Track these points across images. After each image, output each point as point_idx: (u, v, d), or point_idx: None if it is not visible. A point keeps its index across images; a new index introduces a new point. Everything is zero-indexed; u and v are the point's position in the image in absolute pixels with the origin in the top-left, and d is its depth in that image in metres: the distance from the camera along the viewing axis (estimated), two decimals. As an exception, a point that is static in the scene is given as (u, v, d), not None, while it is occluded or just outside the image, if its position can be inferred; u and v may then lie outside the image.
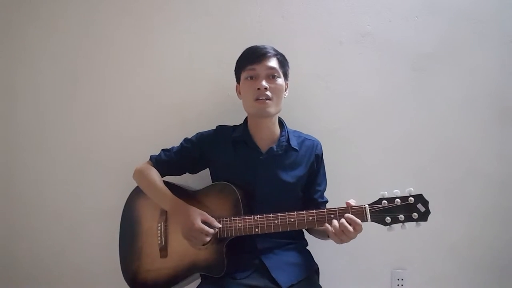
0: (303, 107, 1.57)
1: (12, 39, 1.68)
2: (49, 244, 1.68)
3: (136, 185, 1.38)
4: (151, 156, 1.37)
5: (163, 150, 1.38)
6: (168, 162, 1.35)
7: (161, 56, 1.63)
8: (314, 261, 1.35)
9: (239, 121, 1.41)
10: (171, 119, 1.62)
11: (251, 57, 1.26)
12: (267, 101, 1.23)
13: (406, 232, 1.54)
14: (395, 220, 1.10)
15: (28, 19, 1.67)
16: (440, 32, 1.58)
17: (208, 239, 1.18)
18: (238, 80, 1.34)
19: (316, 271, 1.34)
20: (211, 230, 1.17)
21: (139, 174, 1.34)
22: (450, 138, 1.60)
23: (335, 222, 1.11)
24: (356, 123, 1.60)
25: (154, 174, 1.32)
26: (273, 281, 1.18)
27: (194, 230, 1.17)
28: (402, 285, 1.61)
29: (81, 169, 1.66)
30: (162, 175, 1.35)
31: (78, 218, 1.66)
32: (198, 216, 1.19)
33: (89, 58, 1.65)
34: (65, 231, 1.67)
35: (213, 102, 1.60)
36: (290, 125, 1.40)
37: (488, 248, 1.61)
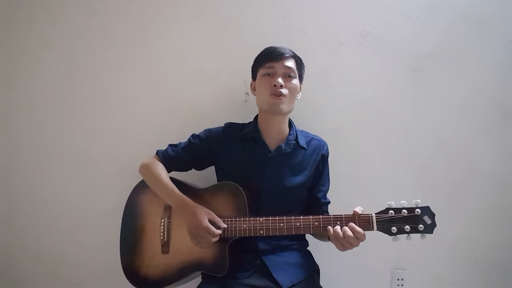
0: (303, 107, 1.56)
1: (12, 40, 1.67)
2: (49, 243, 1.68)
3: (139, 180, 1.37)
4: (157, 151, 1.37)
5: (170, 145, 1.38)
6: (175, 157, 1.35)
7: (161, 56, 1.62)
8: (314, 261, 1.35)
9: (239, 120, 1.41)
10: (171, 120, 1.62)
11: (271, 55, 1.27)
12: (282, 97, 1.25)
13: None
14: (401, 231, 1.10)
15: (28, 20, 1.66)
16: (440, 32, 1.58)
17: (214, 240, 1.17)
18: (254, 77, 1.35)
19: (317, 271, 1.34)
20: (218, 231, 1.17)
21: (145, 168, 1.33)
22: (450, 138, 1.60)
23: (337, 229, 1.11)
24: (355, 122, 1.60)
25: (161, 169, 1.31)
26: (273, 281, 1.19)
27: (201, 229, 1.16)
28: (402, 285, 1.61)
29: (81, 169, 1.66)
30: (169, 171, 1.34)
31: (78, 218, 1.66)
32: (205, 215, 1.18)
33: (89, 58, 1.65)
34: (65, 231, 1.67)
35: (213, 102, 1.60)
36: (296, 126, 1.41)
37: (488, 248, 1.61)
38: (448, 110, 1.60)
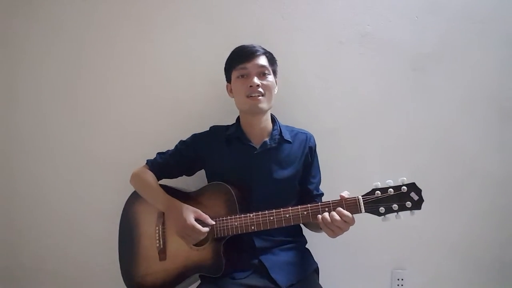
0: (303, 107, 1.58)
1: (14, 39, 1.68)
2: (50, 243, 1.69)
3: (134, 189, 1.38)
4: (147, 160, 1.39)
5: (158, 153, 1.40)
6: (164, 164, 1.36)
7: (162, 56, 1.63)
8: (313, 260, 1.35)
9: (239, 120, 1.41)
10: (171, 119, 1.62)
11: (242, 56, 1.28)
12: (260, 97, 1.26)
13: (406, 231, 1.57)
14: (389, 210, 1.09)
15: (29, 20, 1.67)
16: (440, 32, 1.58)
17: (201, 237, 1.19)
18: (228, 79, 1.36)
19: (316, 271, 1.34)
20: (204, 229, 1.18)
21: (135, 177, 1.36)
22: (450, 138, 1.60)
23: (325, 215, 1.11)
24: (355, 123, 1.60)
25: (149, 176, 1.34)
26: (272, 281, 1.19)
27: (186, 227, 1.18)
28: (402, 285, 1.61)
29: (81, 168, 1.67)
30: (159, 178, 1.36)
31: (78, 217, 1.67)
32: (191, 214, 1.20)
33: (90, 58, 1.66)
34: (66, 230, 1.68)
35: (213, 102, 1.60)
36: (290, 124, 1.41)
37: (488, 248, 1.61)
38: (448, 110, 1.60)
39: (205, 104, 1.61)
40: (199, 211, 1.22)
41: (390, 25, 1.59)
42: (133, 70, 1.64)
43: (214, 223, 1.20)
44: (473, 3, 1.57)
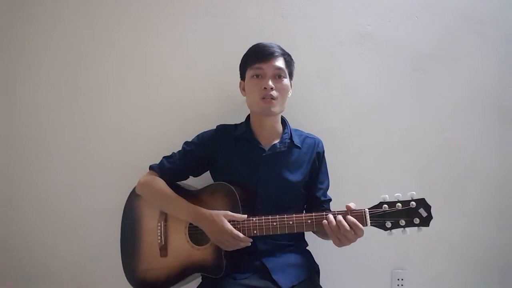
0: (303, 107, 1.57)
1: (12, 39, 1.67)
2: (49, 243, 1.68)
3: (135, 185, 1.36)
4: (152, 166, 1.33)
5: (164, 157, 1.35)
6: (173, 169, 1.32)
7: (162, 56, 1.62)
8: (314, 261, 1.35)
9: (240, 120, 1.40)
10: (172, 119, 1.62)
11: (259, 56, 1.23)
12: (273, 100, 1.23)
13: (406, 232, 1.57)
14: (396, 225, 1.06)
15: (28, 19, 1.66)
16: (440, 32, 1.58)
17: (242, 244, 1.17)
18: (242, 77, 1.33)
19: (317, 272, 1.34)
20: (241, 234, 1.15)
21: (146, 187, 1.30)
22: (450, 138, 1.60)
23: (330, 217, 1.10)
24: (355, 123, 1.60)
25: (163, 185, 1.28)
26: (274, 282, 1.18)
27: (224, 233, 1.15)
28: (402, 285, 1.61)
29: (81, 168, 1.66)
30: (169, 184, 1.30)
31: (78, 217, 1.66)
32: (224, 219, 1.17)
33: (89, 58, 1.65)
34: (65, 230, 1.67)
35: (214, 102, 1.60)
36: (289, 125, 1.41)
37: (488, 248, 1.61)
38: (448, 110, 1.60)
39: (205, 105, 1.60)
40: (229, 213, 1.18)
41: (390, 25, 1.59)
42: (133, 69, 1.63)
43: (246, 216, 1.17)
44: (473, 3, 1.57)
